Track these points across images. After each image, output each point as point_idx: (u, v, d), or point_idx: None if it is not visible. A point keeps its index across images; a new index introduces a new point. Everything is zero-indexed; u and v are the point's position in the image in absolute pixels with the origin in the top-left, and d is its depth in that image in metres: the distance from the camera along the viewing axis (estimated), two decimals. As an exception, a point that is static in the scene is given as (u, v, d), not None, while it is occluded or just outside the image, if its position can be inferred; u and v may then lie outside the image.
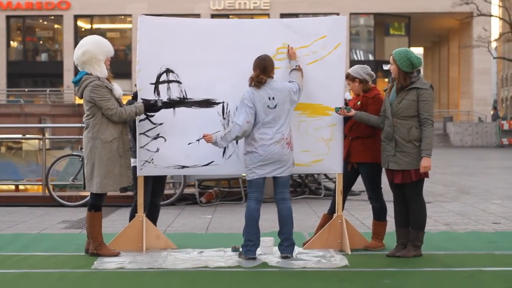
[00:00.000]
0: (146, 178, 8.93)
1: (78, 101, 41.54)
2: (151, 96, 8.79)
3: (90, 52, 8.46)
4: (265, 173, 8.38)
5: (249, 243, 8.37)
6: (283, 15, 50.94)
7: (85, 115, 8.53)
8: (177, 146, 8.88)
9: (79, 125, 14.65)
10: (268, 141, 8.32)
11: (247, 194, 14.03)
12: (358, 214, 12.33)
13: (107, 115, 8.39)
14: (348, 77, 9.03)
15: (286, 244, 8.41)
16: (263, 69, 8.38)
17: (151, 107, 8.64)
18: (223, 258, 8.43)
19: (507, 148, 42.75)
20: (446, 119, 48.94)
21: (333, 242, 8.91)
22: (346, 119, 8.94)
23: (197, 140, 8.82)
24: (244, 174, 13.65)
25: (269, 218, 11.44)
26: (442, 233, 10.28)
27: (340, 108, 8.72)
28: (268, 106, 8.34)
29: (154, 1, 52.59)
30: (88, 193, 13.40)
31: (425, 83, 8.45)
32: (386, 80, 50.13)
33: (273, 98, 8.36)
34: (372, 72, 9.16)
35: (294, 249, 8.50)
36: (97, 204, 8.58)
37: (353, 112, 8.72)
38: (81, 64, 8.51)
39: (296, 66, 8.70)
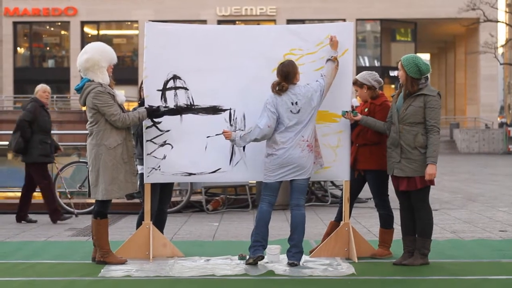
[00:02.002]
0: (154, 185, 8.92)
1: (85, 108, 41.64)
2: (158, 103, 8.79)
3: (93, 59, 8.47)
4: (282, 176, 8.39)
5: (257, 243, 8.37)
6: (289, 21, 50.95)
7: (88, 122, 8.54)
8: (184, 153, 8.88)
9: (86, 132, 14.64)
10: (289, 144, 8.34)
11: (254, 201, 14.11)
12: (365, 222, 12.31)
13: (111, 121, 8.39)
14: (356, 83, 9.02)
15: (294, 251, 8.41)
16: (285, 76, 8.39)
17: (153, 112, 8.64)
18: (230, 266, 8.42)
19: (514, 154, 42.66)
20: (453, 126, 48.89)
21: (340, 250, 8.90)
22: (353, 126, 8.93)
23: (216, 135, 8.79)
24: (251, 181, 13.71)
25: (276, 226, 11.44)
26: (448, 241, 10.25)
27: (347, 111, 8.71)
28: (291, 111, 8.36)
29: (160, 7, 52.65)
30: (94, 200, 13.45)
31: (432, 90, 8.43)
32: (393, 86, 50.10)
33: (296, 103, 8.37)
34: (380, 79, 9.14)
35: (302, 257, 8.48)
36: (103, 211, 8.57)
37: (359, 116, 8.72)
38: (84, 70, 8.52)
39: (331, 56, 8.63)
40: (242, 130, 8.76)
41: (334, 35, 8.75)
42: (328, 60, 8.64)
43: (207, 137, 8.86)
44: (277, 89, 8.39)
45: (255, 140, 8.46)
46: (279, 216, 12.71)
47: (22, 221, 12.53)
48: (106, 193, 8.43)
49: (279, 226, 11.67)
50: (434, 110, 8.34)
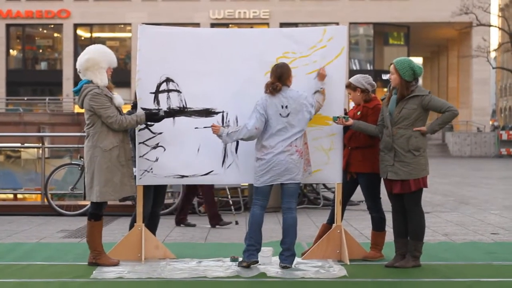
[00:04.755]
0: (148, 188, 8.93)
1: (77, 110, 41.53)
2: (151, 106, 8.79)
3: (94, 59, 8.48)
4: (271, 180, 8.39)
5: (251, 247, 8.38)
6: (282, 25, 51.01)
7: (86, 124, 8.55)
8: (177, 156, 8.88)
9: (78, 134, 14.64)
10: (277, 149, 8.34)
11: (246, 204, 14.11)
12: (357, 224, 12.33)
13: (107, 123, 8.39)
14: (350, 86, 9.03)
15: (286, 254, 8.41)
16: (278, 77, 8.39)
17: (152, 116, 8.63)
18: (222, 268, 8.42)
19: (506, 158, 42.79)
20: (445, 129, 48.98)
21: (332, 252, 8.91)
22: (346, 129, 8.95)
23: (204, 127, 8.78)
24: (243, 184, 13.71)
25: (268, 228, 11.45)
26: (440, 244, 10.28)
27: (338, 117, 8.72)
28: (280, 114, 8.36)
29: (153, 10, 52.66)
30: (87, 202, 13.43)
31: (424, 90, 8.48)
32: (385, 89, 50.14)
33: (286, 106, 8.37)
34: (374, 82, 9.17)
35: (294, 260, 8.49)
36: (97, 213, 8.57)
37: (351, 121, 8.72)
38: (84, 71, 8.51)
39: (320, 88, 8.73)
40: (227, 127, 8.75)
41: (323, 69, 8.79)
42: (316, 91, 8.70)
43: (195, 128, 8.84)
44: (270, 89, 8.39)
45: (242, 139, 8.49)
46: (271, 219, 12.72)
47: (181, 225, 12.34)
48: (100, 195, 8.42)
49: (271, 228, 11.68)
50: (436, 100, 8.38)
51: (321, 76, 8.78)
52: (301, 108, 8.41)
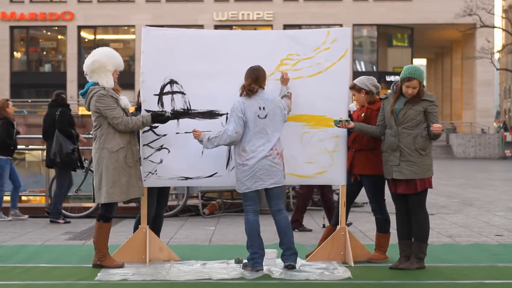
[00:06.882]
0: (151, 190, 8.93)
1: (81, 112, 41.59)
2: (155, 107, 8.79)
3: (100, 62, 8.49)
4: (256, 186, 8.37)
5: (255, 255, 8.36)
6: (286, 26, 51.03)
7: (93, 127, 8.56)
8: (181, 158, 8.88)
9: (83, 135, 14.63)
10: (259, 153, 8.31)
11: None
12: (361, 226, 12.32)
13: (113, 125, 8.39)
14: (354, 88, 9.03)
15: (289, 253, 8.41)
16: (255, 79, 8.38)
17: (158, 117, 8.62)
18: (226, 270, 8.42)
19: (510, 159, 42.73)
20: (449, 131, 48.96)
21: (336, 254, 8.91)
22: (350, 131, 8.94)
23: (186, 132, 8.76)
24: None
25: (271, 230, 11.38)
26: (445, 245, 10.27)
27: (340, 121, 8.67)
28: (258, 116, 8.34)
29: (157, 12, 52.69)
30: (91, 204, 13.44)
31: (431, 95, 8.49)
32: (389, 91, 50.07)
33: (263, 108, 8.35)
34: (378, 84, 9.16)
35: (297, 258, 8.48)
36: (106, 215, 8.58)
37: (352, 124, 8.71)
38: (90, 73, 8.52)
39: (287, 92, 8.72)
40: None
41: (285, 72, 8.79)
42: (284, 96, 8.69)
43: (176, 133, 8.85)
44: (247, 90, 8.37)
45: (223, 145, 8.48)
46: (272, 220, 12.68)
47: (296, 230, 11.56)
48: (107, 196, 8.42)
49: (274, 230, 11.62)
50: (436, 116, 8.38)
51: (285, 80, 8.77)
52: (277, 110, 8.40)
